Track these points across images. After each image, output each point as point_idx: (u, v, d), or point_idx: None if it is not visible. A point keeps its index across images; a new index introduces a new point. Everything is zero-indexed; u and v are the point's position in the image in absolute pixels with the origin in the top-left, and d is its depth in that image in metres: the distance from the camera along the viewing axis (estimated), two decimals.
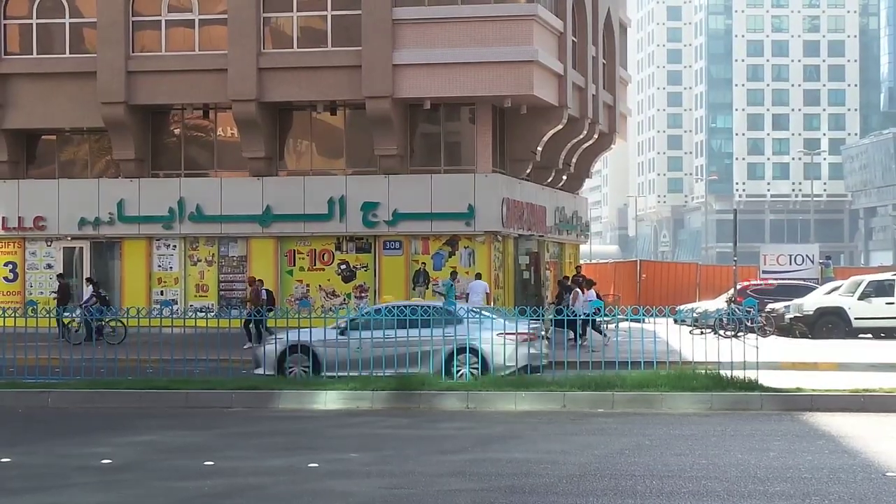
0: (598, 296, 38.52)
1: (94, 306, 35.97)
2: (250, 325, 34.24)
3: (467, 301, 36.94)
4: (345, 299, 42.16)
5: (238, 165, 43.53)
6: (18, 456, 16.37)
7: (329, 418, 20.56)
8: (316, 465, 15.43)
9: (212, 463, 15.66)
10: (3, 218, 43.97)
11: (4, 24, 43.57)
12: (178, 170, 44.29)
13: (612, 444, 17.19)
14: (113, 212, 43.38)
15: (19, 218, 43.89)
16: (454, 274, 40.16)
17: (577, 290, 37.71)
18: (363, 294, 42.36)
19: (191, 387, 22.99)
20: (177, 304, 42.11)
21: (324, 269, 42.90)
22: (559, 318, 29.92)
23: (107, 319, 35.68)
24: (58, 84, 43.08)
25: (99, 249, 44.30)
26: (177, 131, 45.04)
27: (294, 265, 43.03)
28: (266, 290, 37.05)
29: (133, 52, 42.81)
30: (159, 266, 43.71)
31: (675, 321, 29.56)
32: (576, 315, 29.76)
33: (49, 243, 44.30)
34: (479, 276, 39.69)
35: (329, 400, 22.01)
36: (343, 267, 42.86)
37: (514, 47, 40.66)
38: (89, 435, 18.87)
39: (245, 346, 32.64)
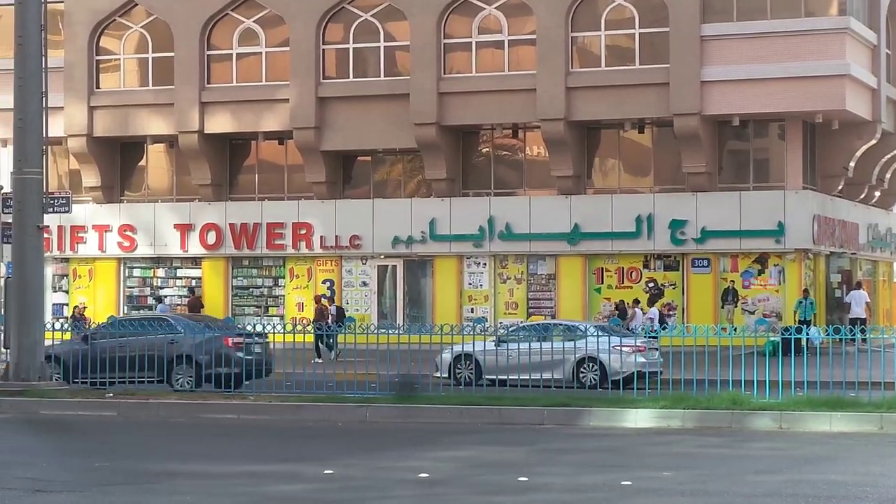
0: (660, 315, 39.27)
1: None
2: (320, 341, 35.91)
3: (849, 311, 40.44)
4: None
5: (546, 184, 43.98)
6: (340, 468, 16.94)
7: (639, 436, 20.60)
8: (629, 482, 15.48)
9: (526, 479, 15.88)
10: (322, 237, 45.51)
11: (323, 50, 45.13)
12: (488, 189, 45.02)
13: None
14: (425, 230, 44.40)
15: (336, 237, 45.36)
16: (806, 291, 40.58)
17: (635, 309, 39.61)
18: (671, 312, 42.14)
19: (504, 403, 23.38)
20: (487, 321, 42.68)
21: (631, 287, 42.89)
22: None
23: None
24: (372, 106, 44.33)
25: (411, 267, 45.38)
26: (486, 151, 45.78)
27: (602, 283, 43.17)
28: (337, 307, 41.44)
29: (444, 73, 43.77)
30: (469, 284, 44.51)
31: None
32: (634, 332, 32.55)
33: (364, 261, 45.63)
34: (858, 286, 42.00)
35: (640, 418, 22.06)
36: (651, 285, 42.77)
37: (826, 61, 39.85)
38: (405, 449, 19.40)
39: (313, 361, 32.71)
